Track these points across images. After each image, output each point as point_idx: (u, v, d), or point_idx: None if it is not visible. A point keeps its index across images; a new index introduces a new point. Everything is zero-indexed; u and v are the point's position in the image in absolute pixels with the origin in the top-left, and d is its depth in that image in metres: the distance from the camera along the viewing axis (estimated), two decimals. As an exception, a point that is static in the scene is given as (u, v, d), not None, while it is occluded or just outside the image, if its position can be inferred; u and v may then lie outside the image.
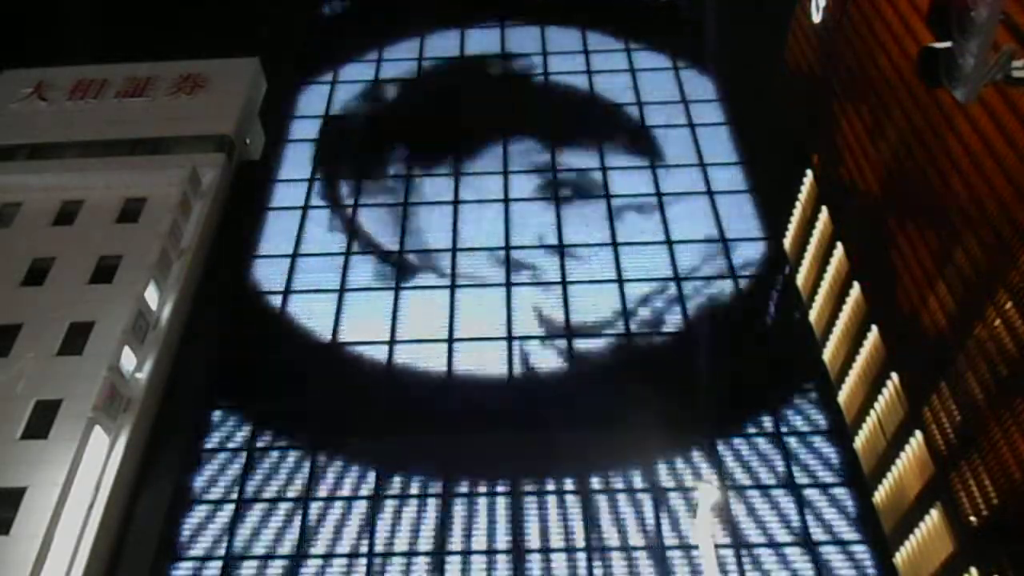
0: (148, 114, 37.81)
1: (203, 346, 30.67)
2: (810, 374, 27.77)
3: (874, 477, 24.04)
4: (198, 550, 25.06)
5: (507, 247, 33.34)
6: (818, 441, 26.36)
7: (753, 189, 34.96)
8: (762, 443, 26.38)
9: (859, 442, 25.10)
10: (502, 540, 24.59)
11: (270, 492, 26.22)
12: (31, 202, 34.42)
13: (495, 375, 28.94)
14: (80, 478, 24.55)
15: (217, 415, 28.38)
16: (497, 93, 41.80)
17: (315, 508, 25.72)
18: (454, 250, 33.46)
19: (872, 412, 24.10)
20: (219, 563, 24.61)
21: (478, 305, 31.35)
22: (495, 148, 38.06)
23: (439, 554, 24.38)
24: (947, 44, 10.58)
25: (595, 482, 25.69)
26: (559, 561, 24.05)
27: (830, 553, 23.71)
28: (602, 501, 25.27)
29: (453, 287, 32.00)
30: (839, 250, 26.43)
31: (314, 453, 27.03)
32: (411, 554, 24.50)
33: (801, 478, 25.44)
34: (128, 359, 27.86)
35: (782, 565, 23.60)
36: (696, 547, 22.15)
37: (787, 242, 31.08)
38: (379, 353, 29.87)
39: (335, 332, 30.67)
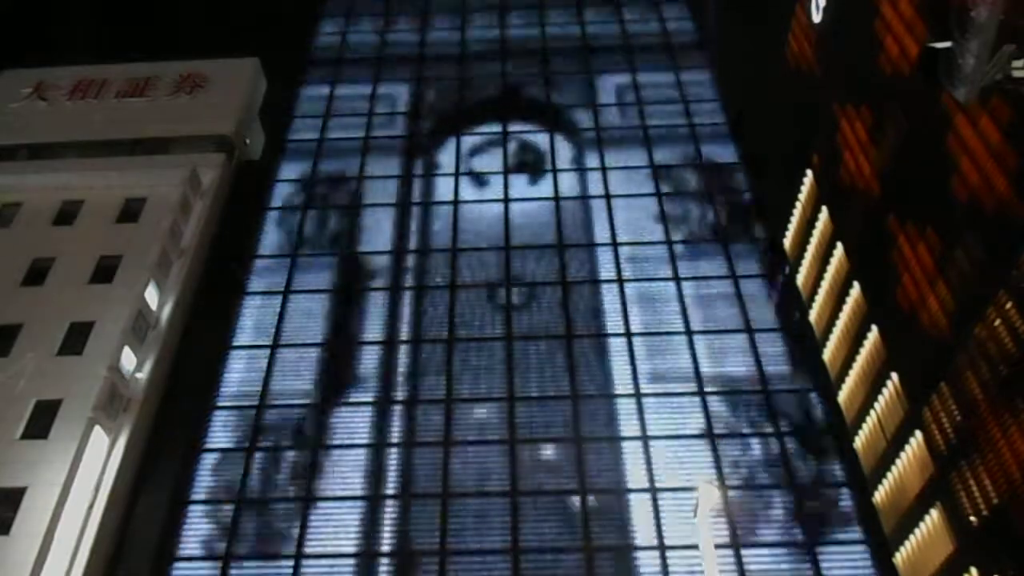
0: (148, 114, 37.85)
1: (203, 346, 30.66)
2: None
3: (874, 477, 24.03)
4: (198, 550, 25.05)
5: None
6: (817, 441, 26.37)
7: (753, 189, 35.01)
8: (762, 443, 26.37)
9: (859, 442, 25.08)
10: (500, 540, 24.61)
11: (270, 492, 26.22)
12: (31, 202, 34.44)
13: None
14: (80, 478, 24.55)
15: (217, 415, 28.38)
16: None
17: (316, 508, 25.72)
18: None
19: (872, 412, 24.07)
20: (219, 563, 24.58)
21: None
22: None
23: (439, 554, 24.38)
24: (947, 44, 10.57)
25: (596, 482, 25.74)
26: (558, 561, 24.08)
27: (830, 553, 23.70)
28: (603, 501, 25.28)
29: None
30: (839, 250, 26.40)
31: (314, 453, 27.04)
32: (411, 554, 24.49)
33: (801, 478, 25.44)
34: (128, 359, 27.87)
35: (782, 565, 23.57)
36: (696, 547, 22.09)
37: (787, 242, 31.06)
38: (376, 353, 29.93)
39: (335, 332, 30.70)
